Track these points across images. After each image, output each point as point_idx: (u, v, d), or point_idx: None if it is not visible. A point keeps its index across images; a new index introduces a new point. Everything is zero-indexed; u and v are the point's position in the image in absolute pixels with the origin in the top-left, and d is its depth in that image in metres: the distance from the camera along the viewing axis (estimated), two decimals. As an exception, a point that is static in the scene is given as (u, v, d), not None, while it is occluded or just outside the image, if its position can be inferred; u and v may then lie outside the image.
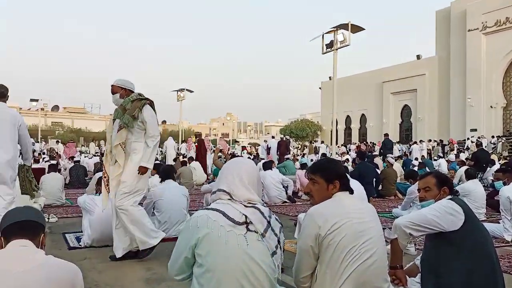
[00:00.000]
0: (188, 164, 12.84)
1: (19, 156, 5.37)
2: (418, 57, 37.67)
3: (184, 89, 29.32)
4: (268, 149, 20.07)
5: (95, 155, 22.06)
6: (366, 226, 2.20)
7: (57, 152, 22.39)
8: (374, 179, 9.19)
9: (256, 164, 4.87)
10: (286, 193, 8.97)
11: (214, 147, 20.10)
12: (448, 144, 26.98)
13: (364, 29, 15.86)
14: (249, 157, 19.19)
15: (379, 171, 10.47)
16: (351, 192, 2.38)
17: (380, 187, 9.89)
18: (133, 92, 4.41)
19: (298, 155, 27.60)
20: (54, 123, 63.58)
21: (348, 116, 44.25)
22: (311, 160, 19.42)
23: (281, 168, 13.97)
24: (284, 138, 24.50)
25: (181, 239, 2.01)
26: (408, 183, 7.92)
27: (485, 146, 23.46)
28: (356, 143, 34.72)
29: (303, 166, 11.06)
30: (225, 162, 9.53)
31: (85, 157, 21.97)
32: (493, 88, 31.08)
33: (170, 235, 5.25)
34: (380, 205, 8.50)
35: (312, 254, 2.16)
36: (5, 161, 4.85)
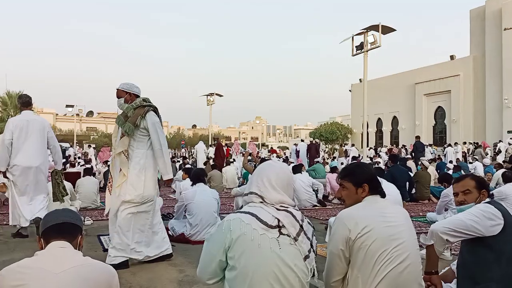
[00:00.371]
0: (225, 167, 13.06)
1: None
2: (452, 57, 36.70)
3: (213, 93, 29.66)
4: (298, 153, 20.01)
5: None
6: (398, 229, 2.17)
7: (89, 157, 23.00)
8: (407, 182, 9.00)
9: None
10: (317, 196, 8.91)
11: (244, 150, 20.18)
12: (480, 147, 26.09)
13: (395, 30, 15.62)
14: (278, 161, 19.14)
15: (412, 174, 10.25)
16: (383, 195, 2.35)
17: (413, 191, 9.68)
18: (138, 96, 4.28)
19: (328, 158, 27.36)
20: (89, 128, 65.49)
21: (379, 119, 43.52)
22: (341, 163, 19.20)
23: (311, 171, 13.89)
24: (314, 141, 24.34)
25: (212, 242, 2.01)
26: (442, 186, 7.72)
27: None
28: (387, 146, 34.11)
29: (333, 169, 10.94)
30: (255, 165, 9.62)
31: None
32: (531, 88, 29.93)
33: (202, 238, 5.31)
34: (413, 209, 8.31)
35: (343, 258, 2.15)
36: (37, 167, 5.53)
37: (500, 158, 20.21)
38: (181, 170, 11.37)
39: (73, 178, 9.43)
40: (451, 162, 18.97)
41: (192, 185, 5.91)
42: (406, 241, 2.16)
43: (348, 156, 22.48)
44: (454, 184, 2.97)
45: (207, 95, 29.97)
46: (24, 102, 5.64)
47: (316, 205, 8.76)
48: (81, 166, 15.21)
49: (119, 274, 1.94)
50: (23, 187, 5.46)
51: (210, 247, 2.01)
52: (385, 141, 41.55)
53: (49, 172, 6.01)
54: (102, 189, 10.05)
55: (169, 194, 10.93)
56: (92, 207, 8.25)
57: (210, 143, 27.40)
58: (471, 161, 21.02)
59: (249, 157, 13.73)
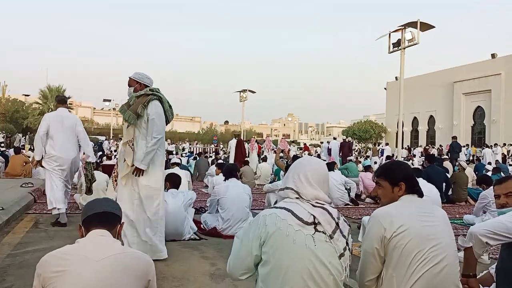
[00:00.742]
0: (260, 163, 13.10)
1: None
2: (493, 55, 35.37)
3: (246, 90, 29.76)
4: (329, 151, 19.82)
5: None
6: (435, 230, 2.12)
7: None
8: (444, 184, 8.77)
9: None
10: (349, 195, 8.81)
11: (276, 147, 20.17)
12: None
13: (434, 26, 15.19)
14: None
15: (449, 176, 9.97)
16: (421, 195, 2.30)
17: (450, 192, 9.42)
18: (148, 87, 4.19)
19: (361, 156, 26.98)
20: (125, 122, 66.89)
21: (415, 118, 42.51)
22: (375, 162, 18.91)
23: (343, 170, 13.76)
24: (347, 139, 24.04)
25: (248, 236, 2.00)
26: (480, 188, 7.48)
27: None
28: (422, 146, 33.29)
29: (366, 168, 10.79)
30: (287, 162, 9.56)
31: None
32: None
33: (233, 233, 5.36)
34: (450, 211, 8.09)
35: (378, 256, 2.12)
36: (71, 159, 6.05)
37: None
38: (214, 165, 11.48)
39: (110, 170, 9.69)
40: (490, 163, 18.33)
41: (224, 180, 5.98)
42: (444, 241, 2.11)
43: (382, 155, 22.10)
44: (495, 186, 2.88)
45: (240, 92, 30.11)
46: (60, 100, 6.31)
47: (348, 204, 8.67)
48: (116, 158, 15.62)
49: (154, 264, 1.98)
50: (60, 175, 5.90)
51: (245, 242, 2.00)
52: (421, 141, 40.57)
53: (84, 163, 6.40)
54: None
55: (201, 188, 11.07)
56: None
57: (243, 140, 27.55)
58: (510, 163, 20.24)
59: (281, 154, 13.69)
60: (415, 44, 15.15)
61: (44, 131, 5.80)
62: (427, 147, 29.18)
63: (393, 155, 20.11)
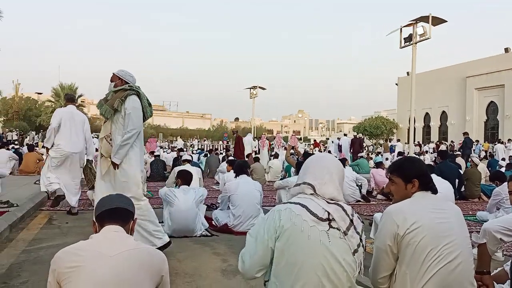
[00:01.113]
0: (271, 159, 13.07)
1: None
2: (507, 50, 34.88)
3: (256, 86, 29.75)
4: (340, 147, 19.74)
5: (173, 150, 23.07)
6: (449, 226, 2.10)
7: None
8: (457, 180, 8.68)
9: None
10: (360, 192, 8.77)
11: (286, 144, 20.15)
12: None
13: (446, 21, 15.02)
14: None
15: (461, 172, 9.87)
16: (434, 191, 2.28)
17: (463, 189, 9.32)
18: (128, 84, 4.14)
19: (372, 152, 26.82)
20: (136, 120, 67.36)
21: (427, 113, 42.15)
22: (386, 159, 18.80)
23: (354, 166, 13.68)
24: (358, 136, 23.91)
25: (261, 232, 1.99)
26: (494, 184, 7.40)
27: None
28: (433, 142, 32.98)
29: (378, 165, 10.72)
30: (297, 159, 9.51)
31: (163, 152, 23.07)
32: None
33: (244, 229, 5.37)
34: (463, 208, 8.00)
35: (391, 253, 2.11)
36: (78, 153, 6.41)
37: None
38: (224, 162, 11.51)
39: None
40: (503, 159, 18.11)
41: (235, 176, 5.99)
42: (458, 238, 2.09)
43: (394, 152, 21.96)
44: (509, 182, 2.85)
45: (250, 88, 30.11)
46: (69, 98, 6.92)
47: (359, 201, 8.63)
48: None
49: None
50: (59, 165, 6.37)
51: (260, 238, 1.99)
52: (433, 137, 40.22)
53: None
54: (148, 179, 10.37)
55: (212, 185, 11.11)
56: (139, 196, 8.50)
57: (253, 136, 27.57)
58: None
59: (292, 151, 13.68)
60: (427, 39, 15.00)
61: (56, 124, 6.29)
62: (438, 143, 28.90)
63: (403, 152, 19.97)
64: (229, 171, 7.92)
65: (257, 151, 17.79)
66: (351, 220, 2.00)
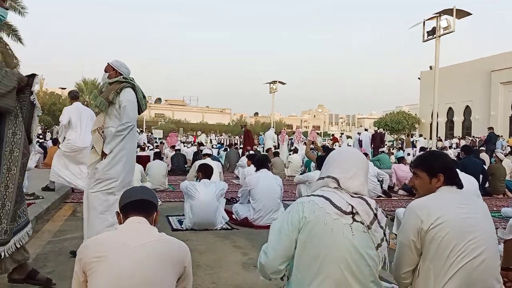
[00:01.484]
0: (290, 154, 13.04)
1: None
2: (534, 42, 33.83)
3: (276, 81, 29.66)
4: (360, 142, 19.54)
5: (193, 144, 23.25)
6: (474, 222, 2.06)
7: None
8: (481, 176, 8.50)
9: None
10: (381, 187, 8.68)
11: (306, 139, 20.05)
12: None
13: (471, 13, 14.67)
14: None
15: (486, 167, 9.66)
16: (460, 186, 2.24)
17: (487, 184, 9.13)
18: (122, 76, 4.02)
19: (394, 147, 26.48)
20: (157, 115, 68.27)
21: (450, 108, 41.30)
22: (408, 154, 18.52)
23: (375, 161, 13.54)
24: (378, 130, 23.64)
25: (285, 224, 1.99)
26: (520, 181, 7.22)
27: None
28: (456, 137, 32.33)
29: (400, 160, 10.58)
30: (318, 154, 9.42)
31: (184, 146, 23.27)
32: None
33: (265, 223, 5.39)
34: (487, 204, 7.81)
35: (414, 249, 2.08)
36: (88, 147, 6.37)
37: None
38: (244, 156, 11.54)
39: (144, 161, 9.91)
40: (530, 155, 17.63)
41: (256, 171, 6.00)
42: (483, 234, 2.05)
43: (416, 147, 21.63)
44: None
45: (270, 83, 30.05)
46: (73, 96, 7.32)
47: (381, 196, 8.54)
48: (150, 150, 15.94)
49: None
50: (71, 158, 6.95)
51: (285, 230, 1.98)
52: (456, 132, 39.42)
53: None
54: (168, 173, 10.48)
55: (232, 179, 11.16)
56: (160, 189, 8.61)
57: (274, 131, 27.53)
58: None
59: (312, 146, 13.61)
60: (450, 32, 14.70)
61: (66, 121, 6.87)
62: (459, 138, 28.33)
63: (427, 146, 19.64)
64: (249, 165, 7.95)
65: (277, 146, 17.76)
66: (375, 214, 1.98)
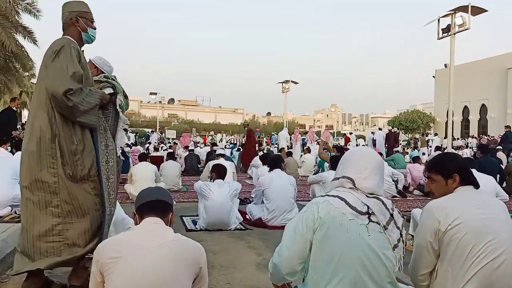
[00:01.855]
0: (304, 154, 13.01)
1: None
2: (553, 39, 33.18)
3: (289, 80, 29.60)
4: (374, 141, 19.40)
5: (206, 145, 23.33)
6: (493, 222, 2.03)
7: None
8: (498, 175, 8.37)
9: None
10: (396, 187, 8.60)
11: (319, 139, 19.97)
12: None
13: (487, 10, 14.43)
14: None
15: (503, 167, 9.51)
16: (477, 185, 2.21)
17: (504, 184, 8.98)
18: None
19: (409, 147, 26.22)
20: (170, 115, 68.70)
21: (465, 107, 40.78)
22: (423, 153, 18.33)
23: (389, 161, 13.43)
24: (393, 130, 23.41)
25: (300, 224, 1.98)
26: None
27: None
28: (472, 136, 31.88)
29: (415, 159, 10.46)
30: (330, 154, 9.35)
31: (196, 146, 23.36)
32: None
33: (278, 223, 5.38)
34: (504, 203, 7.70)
35: (431, 250, 2.06)
36: None
37: None
38: (257, 156, 11.54)
39: (157, 161, 9.98)
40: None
41: (269, 171, 5.99)
42: (503, 235, 2.01)
43: (431, 146, 21.40)
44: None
45: (282, 83, 29.99)
46: None
47: (395, 196, 8.45)
48: (164, 150, 16.04)
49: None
50: None
51: (300, 229, 1.97)
52: (472, 131, 38.91)
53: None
54: (183, 173, 10.53)
55: (245, 179, 11.17)
56: (174, 189, 8.65)
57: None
58: None
59: (324, 146, 13.54)
60: (466, 30, 14.48)
61: None
62: (473, 137, 27.91)
63: (441, 146, 19.41)
64: (264, 165, 7.93)
65: (290, 146, 17.72)
66: (391, 215, 1.96)
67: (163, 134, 33.74)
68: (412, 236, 4.25)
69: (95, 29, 3.18)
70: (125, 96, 3.87)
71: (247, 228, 5.30)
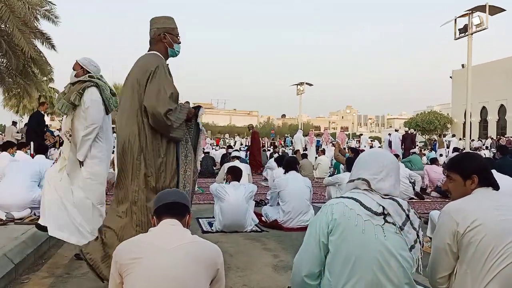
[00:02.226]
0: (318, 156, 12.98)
1: None
2: None
3: (303, 82, 29.57)
4: (390, 143, 19.24)
5: (221, 147, 23.41)
6: None
7: None
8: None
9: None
10: (414, 189, 8.50)
11: (334, 140, 19.89)
12: None
13: (505, 10, 14.21)
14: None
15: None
16: (496, 187, 2.17)
17: (524, 186, 8.80)
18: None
19: (426, 148, 25.91)
20: (185, 118, 68.92)
21: (483, 107, 40.12)
22: (440, 155, 18.09)
23: (406, 162, 13.30)
24: (409, 131, 23.17)
25: (314, 226, 2.00)
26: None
27: None
28: (490, 137, 31.34)
29: (432, 161, 10.33)
30: (346, 156, 9.27)
31: (212, 148, 23.47)
32: None
33: (294, 225, 5.37)
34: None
35: (450, 253, 2.03)
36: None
37: None
38: (272, 159, 11.54)
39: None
40: None
41: (284, 173, 5.98)
42: None
43: (449, 148, 21.10)
44: None
45: (297, 85, 29.99)
46: None
47: (413, 198, 8.36)
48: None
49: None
50: None
51: (313, 231, 2.00)
52: (490, 132, 38.24)
53: None
54: (198, 175, 10.54)
55: (260, 181, 11.17)
56: (190, 192, 8.68)
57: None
58: None
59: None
60: (483, 29, 14.28)
61: None
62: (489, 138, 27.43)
63: (459, 147, 19.14)
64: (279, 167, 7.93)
65: (305, 148, 17.68)
66: (407, 216, 1.95)
67: None
68: (430, 238, 4.20)
69: (179, 43, 3.30)
70: (113, 94, 3.94)
71: (263, 230, 5.30)
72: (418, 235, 1.96)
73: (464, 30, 14.89)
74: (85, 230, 3.71)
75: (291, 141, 22.04)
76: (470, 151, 17.26)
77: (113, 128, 3.95)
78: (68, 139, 3.78)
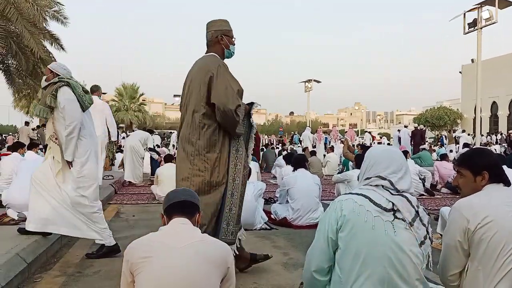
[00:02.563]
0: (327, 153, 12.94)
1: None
2: None
3: (311, 79, 29.51)
4: (400, 139, 19.11)
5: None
6: None
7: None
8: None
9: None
10: (424, 185, 8.45)
11: (343, 137, 19.82)
12: None
13: (515, 2, 14.04)
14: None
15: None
16: (507, 183, 2.15)
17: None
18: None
19: (434, 144, 25.73)
20: (193, 116, 69.05)
21: (494, 102, 39.72)
22: (450, 151, 17.95)
23: (416, 159, 13.20)
24: (419, 127, 23.02)
25: (323, 223, 2.02)
26: None
27: None
28: (500, 132, 31.01)
29: (442, 157, 10.25)
30: (355, 152, 9.25)
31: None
32: None
33: (303, 223, 5.37)
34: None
35: (461, 250, 2.02)
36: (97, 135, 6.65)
37: None
38: (281, 156, 11.53)
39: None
40: None
41: (293, 170, 5.98)
42: None
43: (459, 143, 20.93)
44: None
45: (305, 82, 29.93)
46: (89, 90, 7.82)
47: (423, 194, 8.31)
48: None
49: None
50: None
51: (322, 227, 2.01)
52: (501, 127, 37.84)
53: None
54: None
55: (269, 179, 11.18)
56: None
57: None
58: None
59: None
60: (493, 23, 14.13)
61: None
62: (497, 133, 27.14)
63: (469, 143, 18.97)
64: (288, 165, 7.92)
65: (314, 145, 17.64)
66: (417, 212, 1.96)
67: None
68: (441, 235, 4.17)
69: (234, 45, 3.44)
70: (86, 92, 3.95)
71: (272, 228, 5.30)
72: (427, 231, 1.96)
73: (473, 24, 14.75)
74: (95, 226, 3.91)
75: (299, 138, 21.98)
76: (479, 146, 17.12)
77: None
78: (55, 142, 3.80)
